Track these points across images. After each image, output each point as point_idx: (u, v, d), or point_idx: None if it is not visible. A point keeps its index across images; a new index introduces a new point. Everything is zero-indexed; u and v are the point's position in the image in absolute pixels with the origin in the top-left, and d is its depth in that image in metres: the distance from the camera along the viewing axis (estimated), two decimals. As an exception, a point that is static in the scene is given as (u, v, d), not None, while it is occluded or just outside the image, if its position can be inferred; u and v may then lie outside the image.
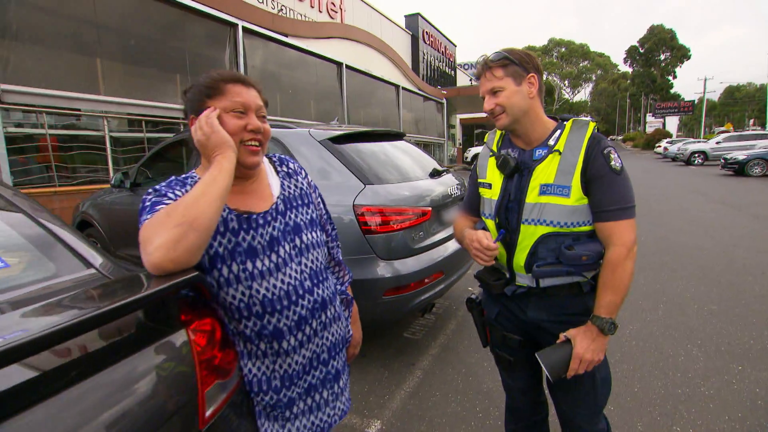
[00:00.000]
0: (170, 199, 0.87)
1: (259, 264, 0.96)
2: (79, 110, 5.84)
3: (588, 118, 1.21)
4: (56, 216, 1.33)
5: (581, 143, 1.13)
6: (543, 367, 1.12)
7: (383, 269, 2.42)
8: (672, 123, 48.59)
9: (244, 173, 1.01)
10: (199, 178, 0.98)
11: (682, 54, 58.13)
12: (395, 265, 2.46)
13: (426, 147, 18.93)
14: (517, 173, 1.21)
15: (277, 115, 9.26)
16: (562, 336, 1.17)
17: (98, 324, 0.63)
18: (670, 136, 40.37)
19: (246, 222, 0.96)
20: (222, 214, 0.94)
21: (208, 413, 0.83)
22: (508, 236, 1.22)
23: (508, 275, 1.28)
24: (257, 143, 0.99)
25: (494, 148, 1.31)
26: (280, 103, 10.12)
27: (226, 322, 0.98)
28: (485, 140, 1.39)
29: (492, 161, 1.29)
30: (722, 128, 37.53)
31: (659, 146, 30.71)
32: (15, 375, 0.63)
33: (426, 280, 2.58)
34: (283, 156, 1.18)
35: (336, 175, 2.61)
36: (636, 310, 3.35)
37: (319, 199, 1.21)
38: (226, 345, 0.97)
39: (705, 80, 45.35)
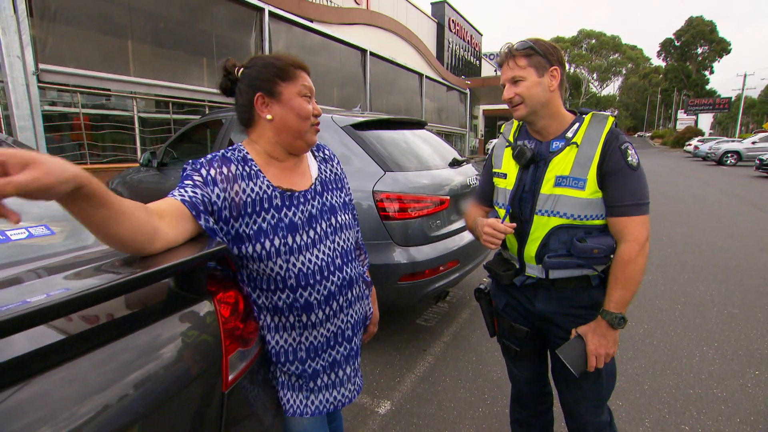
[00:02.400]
0: (200, 176, 0.93)
1: (298, 239, 1.02)
2: (110, 90, 6.03)
3: (607, 113, 1.21)
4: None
5: (599, 137, 1.14)
6: (566, 363, 1.15)
7: (399, 255, 2.47)
8: (705, 121, 46.67)
9: (304, 151, 1.08)
10: (246, 154, 1.03)
11: (721, 48, 55.45)
12: (411, 252, 2.50)
13: (448, 137, 18.75)
14: (533, 164, 1.22)
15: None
16: (573, 332, 1.20)
17: (130, 288, 0.69)
18: (702, 134, 38.77)
19: (288, 199, 1.03)
20: (267, 192, 1.00)
21: (231, 377, 0.90)
22: (520, 226, 1.24)
23: (518, 266, 1.30)
24: (318, 125, 1.08)
25: (511, 139, 1.32)
26: (303, 88, 10.17)
27: (252, 296, 1.04)
28: (501, 131, 1.40)
29: (508, 151, 1.30)
30: (762, 128, 35.72)
31: (689, 144, 29.49)
32: (59, 333, 0.70)
33: (441, 268, 2.61)
34: (319, 143, 1.24)
35: (357, 160, 2.65)
36: (652, 309, 3.32)
37: (348, 186, 1.27)
38: (248, 317, 1.03)
39: (745, 76, 43.16)
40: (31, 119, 5.26)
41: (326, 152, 1.22)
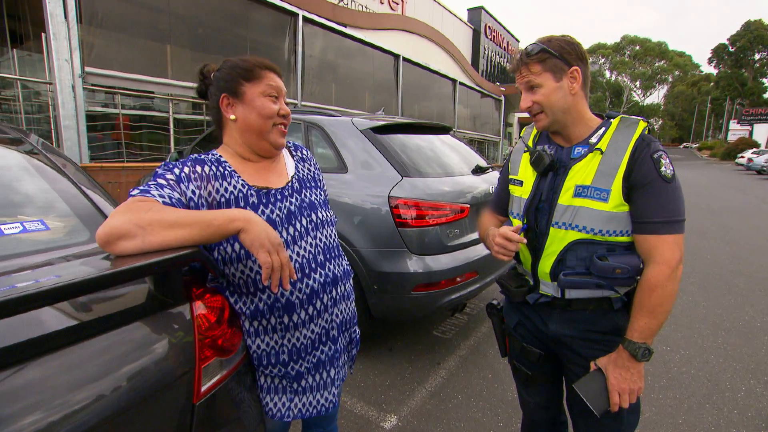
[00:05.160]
0: (173, 174, 0.90)
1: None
2: (152, 93, 6.28)
3: (639, 117, 1.07)
4: (101, 188, 1.43)
5: (627, 144, 1.01)
6: (585, 400, 1.02)
7: (414, 264, 2.38)
8: (761, 132, 43.25)
9: (271, 153, 1.08)
10: (220, 157, 1.02)
11: (781, 54, 51.92)
12: (427, 261, 2.40)
13: (480, 144, 18.42)
14: (551, 171, 1.11)
15: (331, 105, 9.41)
16: (593, 365, 1.07)
17: (94, 286, 0.65)
18: (758, 146, 36.16)
19: (265, 197, 1.02)
20: (242, 191, 1.00)
21: (204, 388, 0.84)
22: (535, 239, 1.13)
23: (531, 282, 1.18)
24: (284, 126, 1.08)
25: (530, 143, 1.21)
26: (335, 93, 10.26)
27: (232, 302, 0.99)
28: (521, 135, 1.29)
29: (526, 157, 1.19)
30: None
31: (742, 157, 27.57)
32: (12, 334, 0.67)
33: (458, 279, 2.50)
34: (297, 143, 1.25)
35: (375, 165, 2.59)
36: (691, 334, 3.04)
37: (324, 185, 1.27)
38: (232, 324, 0.98)
39: (807, 85, 40.04)
40: (75, 119, 5.55)
41: (303, 153, 1.23)
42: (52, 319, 0.72)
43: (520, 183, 1.19)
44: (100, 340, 0.74)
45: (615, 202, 1.00)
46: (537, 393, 1.33)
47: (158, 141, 6.47)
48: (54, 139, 5.72)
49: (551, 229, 1.09)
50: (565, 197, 1.06)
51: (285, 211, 1.03)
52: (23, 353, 0.66)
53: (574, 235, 1.05)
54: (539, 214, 1.12)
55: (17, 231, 1.04)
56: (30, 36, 7.98)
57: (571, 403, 1.22)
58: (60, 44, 5.37)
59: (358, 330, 1.28)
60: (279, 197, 1.03)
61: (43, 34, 5.45)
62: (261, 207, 1.00)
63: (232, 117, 1.02)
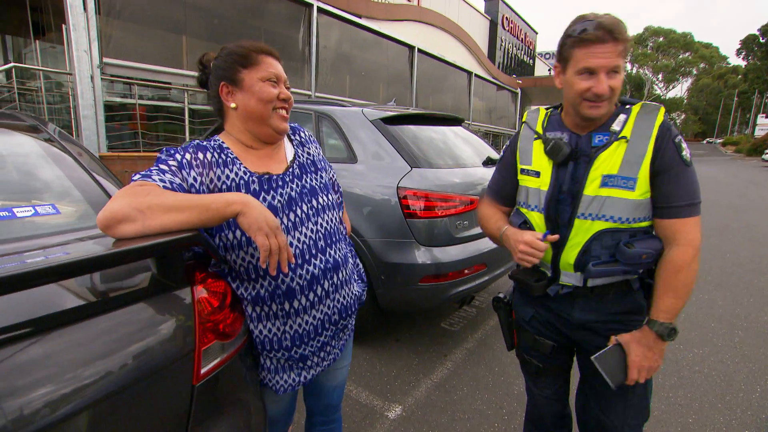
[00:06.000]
0: (175, 160, 0.91)
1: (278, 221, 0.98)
2: (169, 83, 6.36)
3: (659, 104, 1.06)
4: (114, 176, 1.47)
5: (651, 130, 1.00)
6: (602, 373, 1.03)
7: (422, 255, 2.37)
8: (791, 127, 41.78)
9: (274, 138, 1.07)
10: (222, 143, 1.02)
11: (814, 46, 49.68)
12: (434, 253, 2.39)
13: (495, 138, 18.19)
14: (572, 161, 1.08)
15: (345, 96, 9.40)
16: (613, 339, 1.07)
17: (93, 265, 0.67)
18: (786, 142, 34.91)
19: (267, 183, 1.02)
20: (244, 178, 1.00)
21: (203, 371, 0.86)
22: (557, 233, 1.10)
23: (550, 274, 1.16)
24: (286, 110, 1.06)
25: (539, 130, 1.16)
26: (349, 84, 10.24)
27: (234, 287, 1.01)
28: (524, 119, 1.23)
29: (538, 145, 1.15)
30: None
31: (769, 153, 26.71)
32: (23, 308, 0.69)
33: (466, 271, 2.48)
34: (296, 125, 1.22)
35: (385, 155, 2.58)
36: (706, 332, 2.98)
37: (329, 166, 1.25)
38: (234, 309, 0.99)
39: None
40: (93, 109, 5.66)
41: (302, 135, 1.19)
42: (59, 295, 0.74)
43: (537, 174, 1.15)
44: (104, 318, 0.76)
45: (642, 190, 1.01)
46: (546, 386, 1.33)
47: (174, 131, 6.57)
48: (74, 129, 5.85)
49: (576, 220, 1.07)
50: (591, 188, 1.04)
51: (286, 197, 1.03)
52: (35, 327, 0.68)
53: (600, 225, 1.05)
54: (560, 206, 1.10)
55: (29, 214, 1.07)
56: (52, 28, 8.15)
57: (588, 388, 1.22)
58: (79, 35, 5.47)
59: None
60: (280, 183, 1.03)
61: (63, 25, 5.56)
62: (262, 194, 1.00)
63: (233, 105, 1.01)
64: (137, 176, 0.85)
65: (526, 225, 1.19)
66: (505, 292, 1.39)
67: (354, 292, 1.18)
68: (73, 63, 5.48)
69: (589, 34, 0.96)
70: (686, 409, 2.11)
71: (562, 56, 1.04)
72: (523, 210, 1.21)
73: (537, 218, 1.16)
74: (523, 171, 1.20)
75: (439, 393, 2.21)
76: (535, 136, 1.17)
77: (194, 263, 0.96)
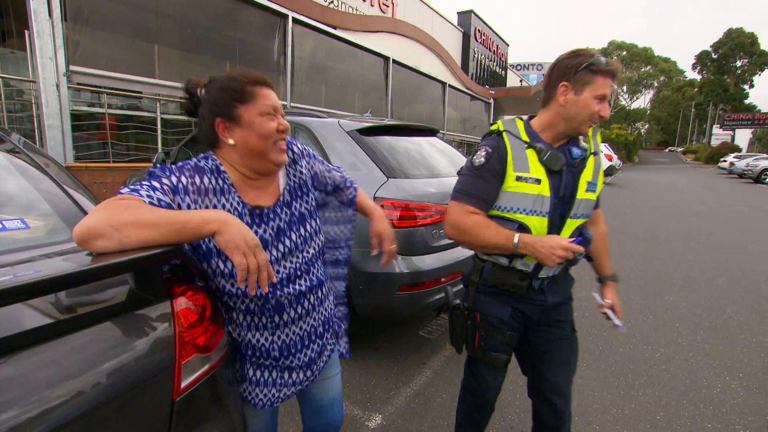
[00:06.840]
0: (170, 182, 0.89)
1: (267, 254, 0.98)
2: (140, 93, 6.21)
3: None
4: (85, 187, 1.42)
5: (599, 147, 1.37)
6: (616, 321, 1.45)
7: (399, 264, 2.40)
8: (743, 137, 44.28)
9: (273, 171, 1.04)
10: (219, 165, 1.00)
11: (762, 61, 53.26)
12: (412, 261, 2.43)
13: (470, 147, 18.55)
14: (566, 169, 1.27)
15: (321, 107, 9.41)
16: (605, 304, 1.47)
17: (69, 282, 0.66)
18: (740, 150, 37.03)
19: (258, 217, 1.02)
20: (237, 209, 0.99)
21: (183, 384, 0.85)
22: (552, 233, 1.29)
23: (529, 270, 1.31)
24: (283, 141, 1.03)
25: (526, 139, 1.27)
26: (324, 94, 10.26)
27: (225, 300, 1.02)
28: (501, 128, 1.30)
29: (532, 154, 1.24)
30: None
31: (724, 161, 28.24)
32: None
33: (443, 279, 2.52)
34: (289, 139, 1.17)
35: (362, 166, 2.61)
36: (670, 333, 3.12)
37: (312, 169, 1.20)
38: (214, 321, 0.99)
39: (786, 92, 41.09)
40: (59, 118, 5.46)
41: (295, 150, 1.15)
42: (29, 314, 0.72)
43: (537, 181, 1.23)
44: (77, 336, 0.74)
45: (598, 192, 1.35)
46: (501, 375, 1.49)
47: (145, 141, 6.41)
48: (37, 139, 5.63)
49: (568, 220, 1.28)
50: (580, 192, 1.28)
51: (275, 229, 1.04)
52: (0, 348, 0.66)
53: (580, 221, 1.32)
54: (554, 209, 1.27)
55: (-4, 229, 1.03)
56: (13, 33, 7.83)
57: (550, 358, 1.42)
58: (44, 42, 5.29)
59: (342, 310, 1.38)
60: (271, 216, 1.04)
61: (26, 31, 5.36)
62: (254, 227, 1.01)
63: (231, 142, 0.97)
64: (125, 189, 0.84)
65: (522, 229, 1.25)
66: (459, 299, 1.50)
67: (331, 306, 1.23)
68: (37, 70, 5.28)
69: (612, 67, 1.18)
70: (654, 407, 2.20)
71: (580, 79, 1.19)
72: (516, 215, 1.25)
73: (537, 222, 1.25)
74: (519, 178, 1.24)
75: (418, 401, 2.22)
76: (526, 145, 1.25)
77: (172, 276, 0.95)
